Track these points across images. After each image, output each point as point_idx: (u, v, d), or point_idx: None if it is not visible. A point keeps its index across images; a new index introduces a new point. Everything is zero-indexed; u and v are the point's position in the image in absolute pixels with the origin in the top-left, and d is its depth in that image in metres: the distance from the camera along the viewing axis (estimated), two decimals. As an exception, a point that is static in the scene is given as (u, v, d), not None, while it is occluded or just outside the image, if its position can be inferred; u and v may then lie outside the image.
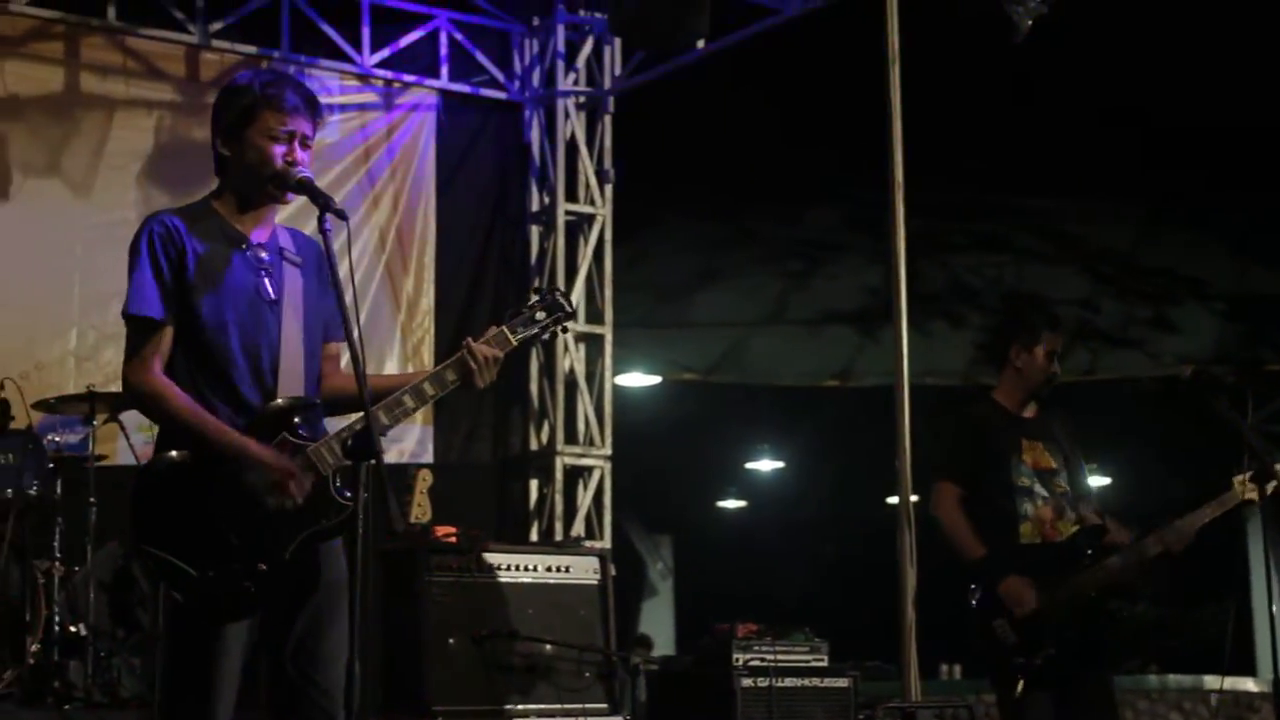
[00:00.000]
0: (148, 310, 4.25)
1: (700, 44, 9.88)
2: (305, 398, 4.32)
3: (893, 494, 7.65)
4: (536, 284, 10.32)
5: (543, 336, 4.62)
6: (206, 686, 4.15)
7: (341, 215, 4.20)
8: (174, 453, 4.21)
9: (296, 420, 4.26)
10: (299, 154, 4.38)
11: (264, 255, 4.39)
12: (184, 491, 4.18)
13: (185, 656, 4.21)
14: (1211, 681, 13.17)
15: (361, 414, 4.08)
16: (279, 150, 4.35)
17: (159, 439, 4.30)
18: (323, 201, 4.21)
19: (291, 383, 4.32)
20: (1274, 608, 6.33)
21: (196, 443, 4.19)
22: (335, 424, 4.38)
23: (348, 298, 4.15)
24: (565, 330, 4.69)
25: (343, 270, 4.15)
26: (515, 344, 4.53)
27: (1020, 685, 5.98)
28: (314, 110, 4.45)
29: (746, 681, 7.24)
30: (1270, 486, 6.03)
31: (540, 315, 4.56)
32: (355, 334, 4.10)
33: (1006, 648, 6.04)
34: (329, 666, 4.17)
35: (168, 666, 4.31)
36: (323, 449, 4.22)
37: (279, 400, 4.27)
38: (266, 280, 4.35)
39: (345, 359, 4.43)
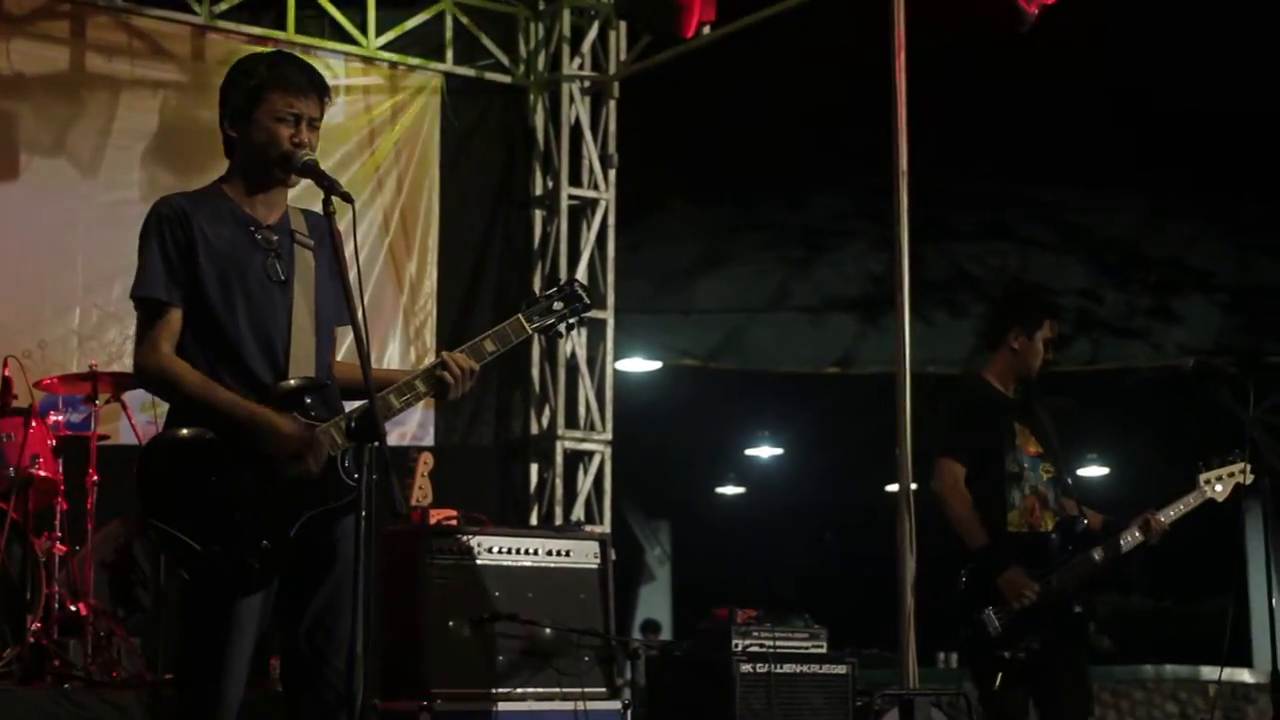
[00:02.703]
0: (154, 292, 4.27)
1: (706, 29, 9.85)
2: (316, 378, 4.32)
3: (892, 482, 7.65)
4: (546, 273, 10.30)
5: (558, 327, 4.61)
6: (219, 662, 4.17)
7: (347, 198, 4.23)
8: (184, 429, 4.22)
9: (308, 400, 4.27)
10: (306, 135, 4.38)
11: (274, 237, 4.39)
12: (191, 467, 4.19)
13: (198, 633, 4.23)
14: (1209, 672, 13.21)
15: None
16: (286, 132, 4.35)
17: (169, 416, 4.30)
18: (327, 184, 4.24)
19: (303, 363, 4.32)
20: (1274, 600, 6.33)
21: (213, 420, 4.20)
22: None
23: (351, 280, 4.17)
24: (583, 323, 4.67)
25: (348, 252, 4.18)
26: (530, 333, 4.55)
27: (999, 678, 5.95)
28: (321, 92, 4.46)
29: (745, 667, 7.22)
30: (1250, 478, 6.08)
31: (558, 305, 4.59)
32: (360, 316, 4.11)
33: (990, 639, 6.01)
34: (345, 646, 4.13)
35: (181, 642, 4.31)
36: (331, 429, 4.24)
37: (290, 380, 4.28)
38: (276, 261, 4.36)
39: (345, 345, 4.44)
